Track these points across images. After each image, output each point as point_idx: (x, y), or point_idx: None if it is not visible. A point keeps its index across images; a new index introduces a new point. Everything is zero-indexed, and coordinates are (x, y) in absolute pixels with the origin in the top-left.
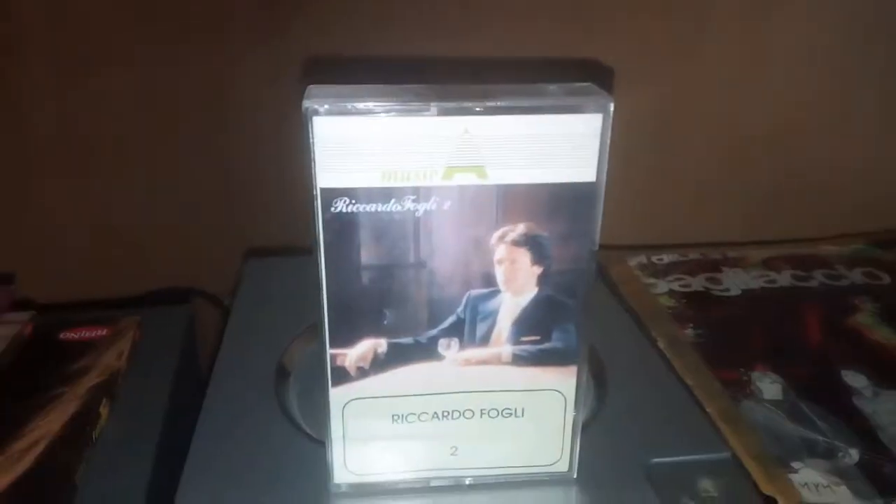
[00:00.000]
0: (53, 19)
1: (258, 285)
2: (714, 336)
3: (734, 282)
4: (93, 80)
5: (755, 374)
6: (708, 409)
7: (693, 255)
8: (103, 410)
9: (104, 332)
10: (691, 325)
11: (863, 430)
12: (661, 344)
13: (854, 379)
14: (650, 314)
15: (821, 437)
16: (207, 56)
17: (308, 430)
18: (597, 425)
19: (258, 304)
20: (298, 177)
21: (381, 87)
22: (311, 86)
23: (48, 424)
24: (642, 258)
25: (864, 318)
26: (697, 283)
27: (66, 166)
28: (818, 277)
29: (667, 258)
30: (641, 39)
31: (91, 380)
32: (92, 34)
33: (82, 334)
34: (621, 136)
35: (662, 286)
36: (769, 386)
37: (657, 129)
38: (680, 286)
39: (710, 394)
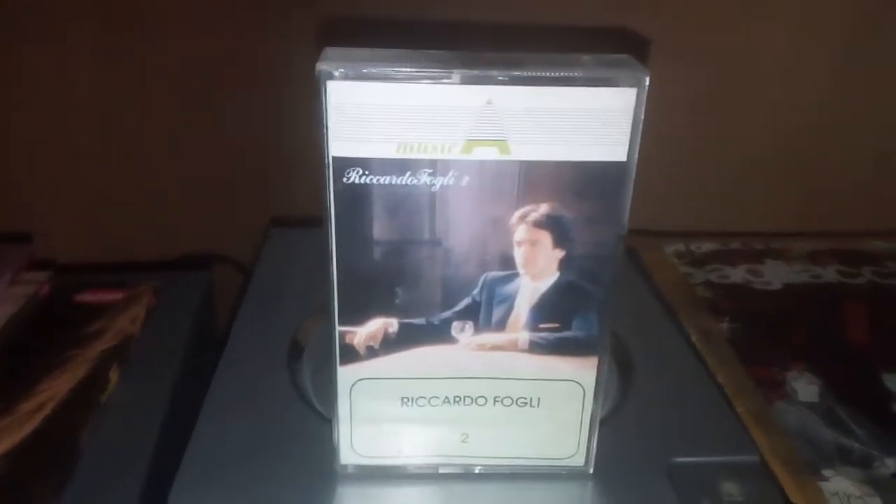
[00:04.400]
0: None
1: (280, 254)
2: (751, 331)
3: (776, 275)
4: (131, 44)
5: (791, 374)
6: (738, 409)
7: (735, 244)
8: (113, 375)
9: (119, 295)
10: (727, 318)
11: None
12: (693, 337)
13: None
14: (684, 305)
15: (856, 444)
16: (241, 24)
17: (318, 408)
18: (619, 419)
19: (278, 273)
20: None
21: (401, 51)
22: (328, 48)
23: (57, 386)
24: (680, 246)
25: None
26: (737, 274)
27: (93, 127)
28: (866, 274)
29: (706, 247)
30: (692, 13)
31: (103, 343)
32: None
33: (98, 297)
34: (664, 114)
35: (699, 276)
36: (805, 387)
37: (704, 109)
38: (718, 277)
39: (741, 392)
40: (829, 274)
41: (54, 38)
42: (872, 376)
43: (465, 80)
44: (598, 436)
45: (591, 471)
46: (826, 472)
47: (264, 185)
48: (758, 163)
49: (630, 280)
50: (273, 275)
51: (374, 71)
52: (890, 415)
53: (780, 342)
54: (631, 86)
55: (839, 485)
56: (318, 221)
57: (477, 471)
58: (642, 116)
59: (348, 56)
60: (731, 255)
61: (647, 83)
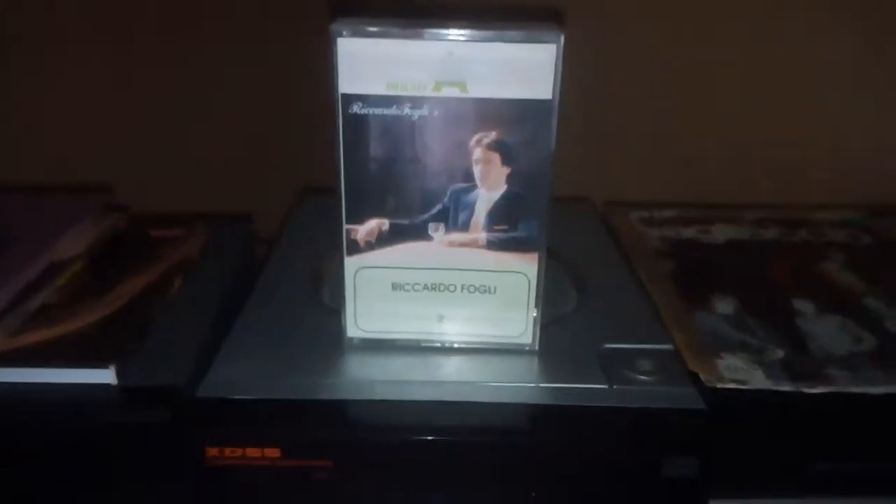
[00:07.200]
0: None
1: (312, 214)
2: (689, 270)
3: (722, 233)
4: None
5: (715, 297)
6: (663, 316)
7: (694, 212)
8: (177, 281)
9: (181, 232)
10: (671, 260)
11: (795, 340)
12: (641, 275)
13: (803, 305)
14: (638, 253)
15: (755, 340)
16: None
17: (333, 307)
18: (568, 320)
19: (309, 227)
20: None
21: (390, 19)
22: (340, 18)
23: (132, 285)
24: (644, 213)
25: (832, 265)
26: (688, 232)
27: (159, 110)
28: (801, 235)
29: (668, 213)
30: None
31: (168, 261)
32: None
33: (164, 233)
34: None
35: (655, 233)
36: (724, 304)
37: (692, 96)
38: (672, 233)
39: (668, 306)
40: (769, 234)
41: (120, 37)
42: (784, 300)
43: (434, 38)
44: (551, 328)
45: (537, 348)
46: (723, 355)
47: (300, 155)
48: (730, 142)
49: (596, 235)
50: (304, 227)
51: (369, 30)
52: (791, 325)
53: (713, 278)
54: (551, 42)
55: (730, 361)
56: None
57: (448, 345)
58: (561, 66)
59: (353, 22)
60: (687, 220)
61: (563, 41)
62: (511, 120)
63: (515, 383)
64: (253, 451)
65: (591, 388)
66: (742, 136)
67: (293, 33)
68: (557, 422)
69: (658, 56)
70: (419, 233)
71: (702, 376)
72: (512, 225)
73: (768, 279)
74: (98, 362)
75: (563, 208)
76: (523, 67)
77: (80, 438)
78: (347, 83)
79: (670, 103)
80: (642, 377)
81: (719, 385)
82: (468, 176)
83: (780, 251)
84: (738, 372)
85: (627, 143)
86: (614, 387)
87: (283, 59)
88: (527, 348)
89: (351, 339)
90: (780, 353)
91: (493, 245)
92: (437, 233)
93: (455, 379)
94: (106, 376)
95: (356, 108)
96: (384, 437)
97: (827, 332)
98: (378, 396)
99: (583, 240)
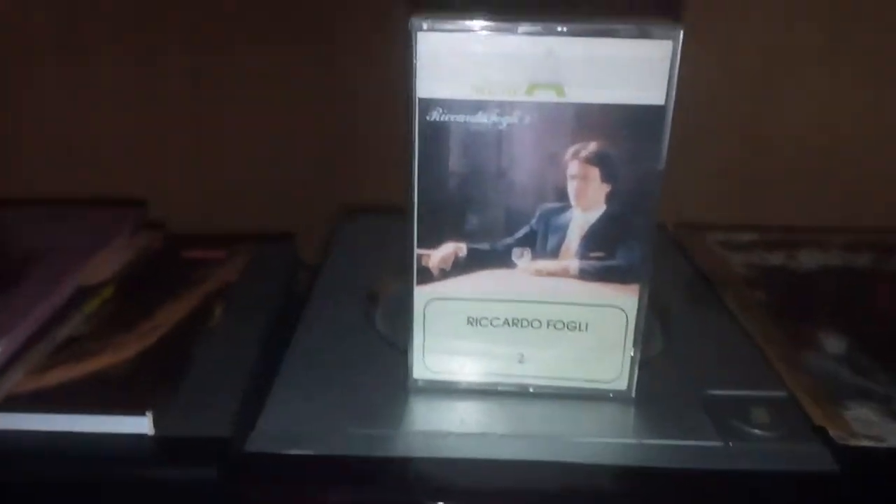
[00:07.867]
0: None
1: (357, 235)
2: (783, 300)
3: (813, 259)
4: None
5: (821, 332)
6: (768, 354)
7: (774, 237)
8: (217, 309)
9: (220, 254)
10: (762, 289)
11: None
12: (729, 303)
13: None
14: (722, 280)
15: (879, 388)
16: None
17: (391, 340)
18: (661, 360)
19: (355, 249)
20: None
21: (477, 14)
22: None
23: (171, 314)
24: (721, 236)
25: None
26: (775, 258)
27: (193, 125)
28: None
29: (747, 237)
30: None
31: (208, 287)
32: None
33: (202, 254)
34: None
35: (738, 259)
36: (833, 342)
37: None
38: (757, 258)
39: (770, 343)
40: (863, 260)
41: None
42: None
43: (529, 32)
44: (642, 370)
45: (633, 395)
46: (848, 405)
47: (339, 174)
48: (804, 161)
49: (673, 260)
50: (351, 246)
51: (454, 24)
52: None
53: (812, 309)
54: (667, 38)
55: (860, 413)
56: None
57: (531, 390)
58: (677, 66)
59: (436, 16)
60: (770, 245)
61: (681, 36)
62: (615, 129)
63: (613, 439)
64: None
65: (704, 446)
66: (812, 159)
67: (332, 48)
68: (667, 488)
69: (729, 75)
70: (501, 259)
71: (831, 432)
72: (610, 252)
73: (876, 312)
74: (132, 409)
75: None
76: (632, 68)
77: (111, 496)
78: (427, 86)
79: (738, 123)
80: (758, 431)
81: (852, 442)
82: (561, 194)
83: (882, 279)
84: (872, 427)
85: (695, 163)
86: (730, 444)
87: (321, 76)
88: (613, 395)
89: (416, 380)
90: None
91: (586, 274)
92: (522, 259)
93: (541, 432)
94: (141, 425)
95: (436, 115)
96: (459, 502)
97: None
98: (451, 453)
99: (659, 266)
